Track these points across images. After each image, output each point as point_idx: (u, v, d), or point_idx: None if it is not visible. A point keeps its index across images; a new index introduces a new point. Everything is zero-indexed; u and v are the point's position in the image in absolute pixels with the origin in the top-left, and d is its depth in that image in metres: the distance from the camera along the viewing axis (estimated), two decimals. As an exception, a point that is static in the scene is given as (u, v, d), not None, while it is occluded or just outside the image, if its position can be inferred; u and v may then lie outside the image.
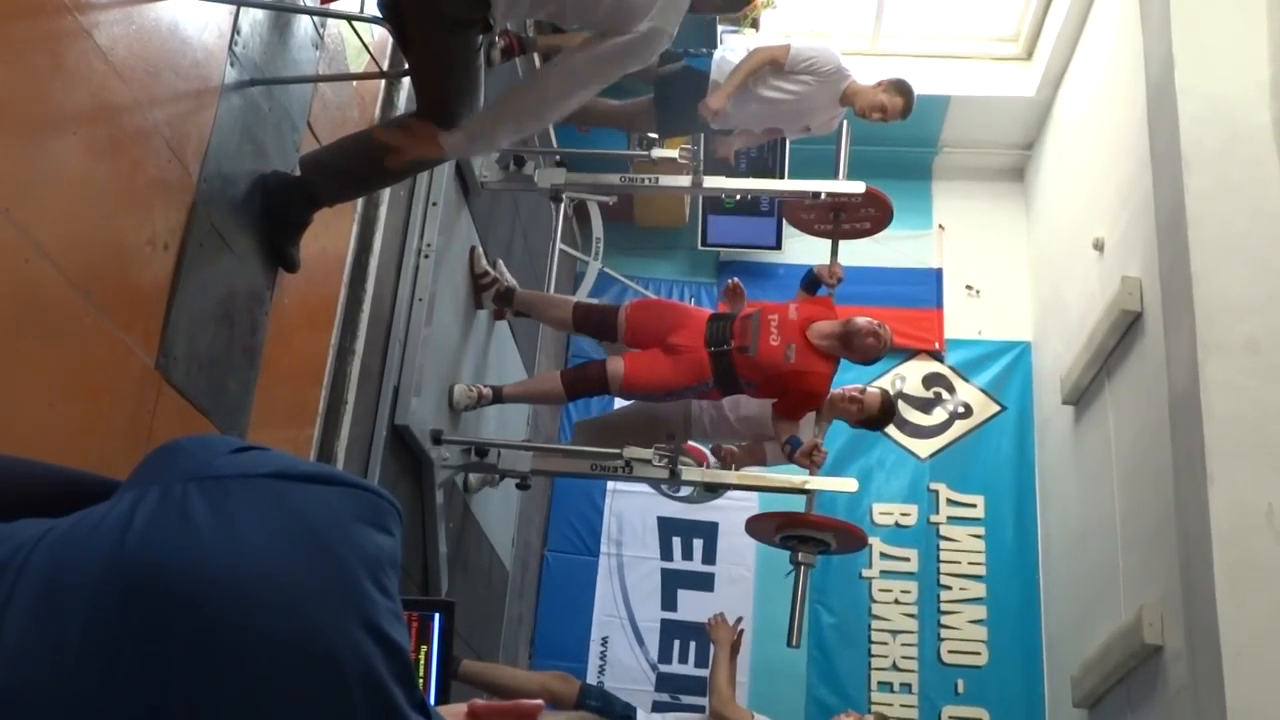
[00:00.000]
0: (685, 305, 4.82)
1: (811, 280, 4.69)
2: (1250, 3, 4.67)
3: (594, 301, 5.51)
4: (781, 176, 6.77)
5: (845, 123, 4.92)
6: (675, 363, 4.42)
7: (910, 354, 7.30)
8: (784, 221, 7.36)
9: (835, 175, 4.80)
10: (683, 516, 7.01)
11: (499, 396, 4.68)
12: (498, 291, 4.83)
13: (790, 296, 4.71)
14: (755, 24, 6.25)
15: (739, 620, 4.70)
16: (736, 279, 4.86)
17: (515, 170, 4.73)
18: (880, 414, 4.74)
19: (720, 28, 5.22)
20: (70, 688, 0.75)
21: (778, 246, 7.46)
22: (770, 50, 4.63)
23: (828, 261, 4.77)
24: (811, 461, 4.32)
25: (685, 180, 4.71)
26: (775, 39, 4.76)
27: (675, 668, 6.67)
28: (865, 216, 4.84)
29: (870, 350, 4.41)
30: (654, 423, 4.82)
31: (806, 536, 4.45)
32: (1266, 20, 4.61)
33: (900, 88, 4.69)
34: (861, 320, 4.39)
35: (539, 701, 0.89)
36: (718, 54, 4.74)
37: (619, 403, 5.64)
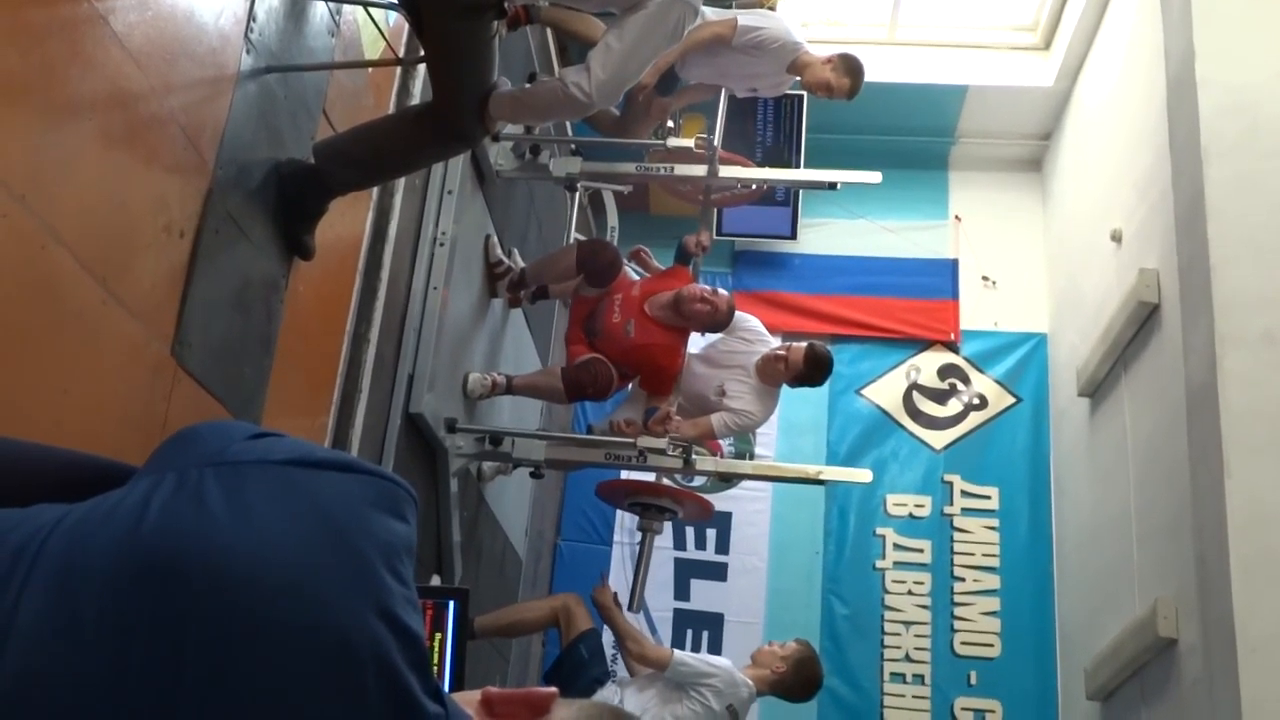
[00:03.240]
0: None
1: (680, 251, 4.69)
2: (1271, -7, 4.63)
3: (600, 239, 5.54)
4: (796, 166, 6.75)
5: (724, 92, 4.87)
6: None
7: (926, 345, 7.28)
8: (799, 211, 7.36)
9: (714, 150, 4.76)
10: (697, 506, 7.01)
11: (511, 386, 4.68)
12: (512, 280, 4.84)
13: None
14: (773, 8, 6.22)
15: (603, 576, 4.92)
16: (641, 246, 4.83)
17: (530, 159, 4.72)
18: (808, 367, 4.58)
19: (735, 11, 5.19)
20: (85, 671, 0.75)
21: (793, 236, 7.43)
22: (713, 27, 4.50)
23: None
24: (665, 429, 4.29)
25: (700, 169, 4.69)
26: (778, 13, 4.69)
27: (688, 657, 6.67)
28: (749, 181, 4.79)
29: (704, 316, 4.34)
30: None
31: (652, 504, 4.47)
32: (1288, 10, 4.57)
33: (849, 67, 4.54)
34: (690, 287, 4.34)
35: (553, 690, 0.89)
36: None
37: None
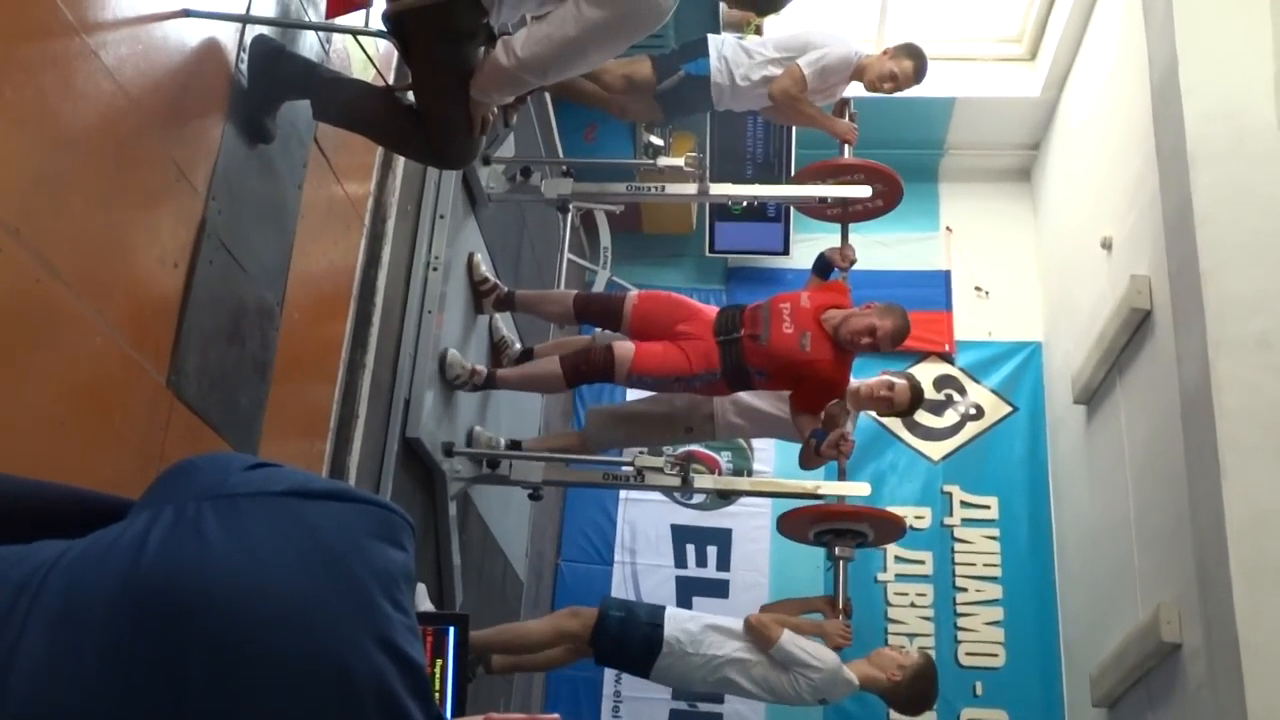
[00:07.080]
0: (694, 301, 4.75)
1: (823, 264, 4.65)
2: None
3: (595, 292, 5.48)
4: (787, 182, 6.76)
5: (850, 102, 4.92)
6: (683, 349, 4.31)
7: (920, 356, 7.28)
8: (791, 226, 7.38)
9: (840, 152, 4.79)
10: (696, 524, 7.00)
11: (491, 379, 4.55)
12: (498, 297, 4.81)
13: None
14: (759, 30, 6.25)
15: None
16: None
17: (522, 181, 4.73)
18: (910, 404, 4.70)
19: (724, 32, 5.21)
20: (89, 706, 0.75)
21: (785, 252, 7.46)
22: (780, 84, 4.62)
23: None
24: (839, 452, 4.25)
25: (692, 188, 4.70)
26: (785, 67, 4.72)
27: (691, 675, 6.64)
28: (876, 194, 4.79)
29: (866, 347, 4.30)
30: (672, 416, 4.71)
31: (842, 530, 4.40)
32: (1270, 17, 4.59)
33: (909, 51, 4.66)
34: (857, 318, 4.29)
35: (554, 716, 0.89)
36: (714, 53, 4.70)
37: (628, 395, 5.60)
